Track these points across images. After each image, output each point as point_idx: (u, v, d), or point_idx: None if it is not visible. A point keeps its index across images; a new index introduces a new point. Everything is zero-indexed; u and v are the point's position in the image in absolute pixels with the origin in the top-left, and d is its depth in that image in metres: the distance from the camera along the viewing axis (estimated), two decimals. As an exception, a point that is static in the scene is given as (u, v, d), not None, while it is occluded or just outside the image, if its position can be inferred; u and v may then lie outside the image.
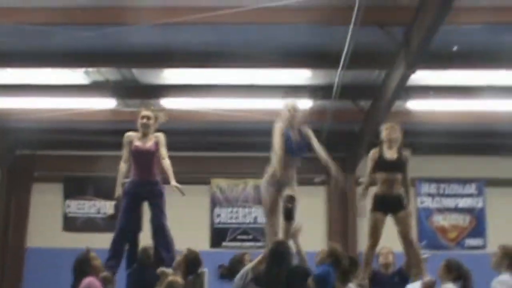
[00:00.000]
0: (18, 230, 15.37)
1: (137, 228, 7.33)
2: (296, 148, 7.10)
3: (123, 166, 7.37)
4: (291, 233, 6.97)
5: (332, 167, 7.42)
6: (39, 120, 12.92)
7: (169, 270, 6.83)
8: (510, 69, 10.74)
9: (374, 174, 7.62)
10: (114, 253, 7.15)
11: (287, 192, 6.98)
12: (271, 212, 7.08)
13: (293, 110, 7.20)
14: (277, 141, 7.00)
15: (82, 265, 7.06)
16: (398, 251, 7.60)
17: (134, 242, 7.38)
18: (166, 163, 7.26)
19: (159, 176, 7.30)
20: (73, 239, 15.06)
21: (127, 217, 7.25)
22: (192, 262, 6.90)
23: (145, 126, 7.24)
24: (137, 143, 7.21)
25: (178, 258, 7.02)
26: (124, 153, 7.36)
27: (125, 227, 7.23)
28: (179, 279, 6.45)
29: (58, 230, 15.51)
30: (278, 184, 7.01)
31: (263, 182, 7.13)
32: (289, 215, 6.94)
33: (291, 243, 6.92)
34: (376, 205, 7.49)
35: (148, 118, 7.27)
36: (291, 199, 6.92)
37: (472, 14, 8.70)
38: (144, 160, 7.20)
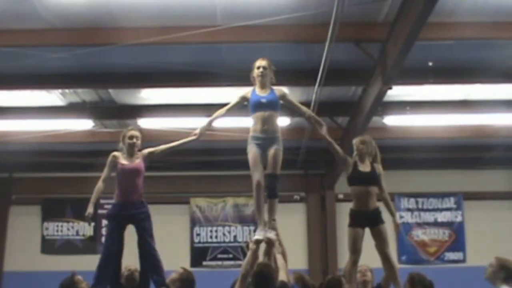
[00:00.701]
0: (-4, 254, 15.20)
1: (121, 251, 7.22)
2: (265, 102, 6.98)
3: (101, 185, 7.22)
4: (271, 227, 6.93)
5: (313, 115, 7.49)
6: (15, 143, 12.82)
7: None
8: (485, 83, 10.84)
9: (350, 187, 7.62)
10: (100, 278, 7.01)
11: (269, 168, 7.00)
12: (253, 169, 6.96)
13: (262, 68, 7.10)
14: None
15: None
16: (378, 266, 7.59)
17: (117, 265, 7.26)
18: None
19: (143, 197, 7.22)
20: (52, 262, 14.96)
21: (113, 241, 7.11)
22: (187, 281, 6.85)
23: (133, 146, 7.19)
24: (124, 162, 7.15)
25: (173, 275, 6.97)
26: (105, 172, 7.23)
27: (110, 252, 7.11)
28: None
29: (36, 253, 15.38)
30: (262, 143, 6.95)
31: (248, 141, 7.05)
32: (271, 194, 7.04)
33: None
34: (354, 221, 7.47)
35: (137, 137, 7.23)
36: (272, 178, 6.99)
37: (447, 30, 8.78)
38: (131, 179, 7.09)
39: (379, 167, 7.64)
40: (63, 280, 7.01)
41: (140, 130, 7.47)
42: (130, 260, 7.35)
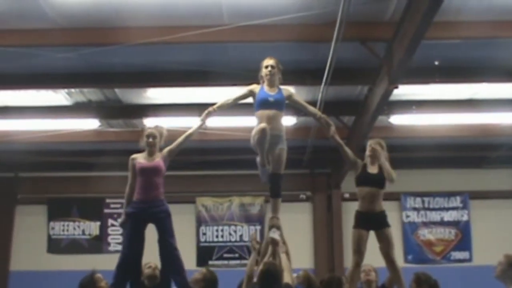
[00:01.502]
0: (2, 254, 15.25)
1: (141, 251, 7.17)
2: (272, 100, 6.99)
3: (129, 191, 7.13)
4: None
5: (322, 116, 7.45)
6: (21, 142, 12.85)
7: None
8: (491, 83, 10.82)
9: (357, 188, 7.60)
10: (120, 277, 6.97)
11: (273, 167, 7.00)
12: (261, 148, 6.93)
13: (270, 67, 7.10)
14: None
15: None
16: (382, 266, 7.57)
17: (138, 264, 7.23)
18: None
19: (163, 195, 7.20)
20: (58, 261, 14.99)
21: (133, 240, 7.07)
22: (210, 281, 6.86)
23: (152, 145, 7.14)
24: (142, 161, 7.12)
25: (196, 276, 6.96)
26: (130, 177, 7.15)
27: (130, 251, 7.07)
28: None
29: (42, 253, 15.41)
30: (267, 142, 6.89)
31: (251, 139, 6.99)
32: (274, 194, 7.11)
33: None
34: (359, 222, 7.44)
35: (154, 136, 7.17)
36: (275, 177, 7.03)
37: (453, 29, 8.76)
38: (150, 178, 7.02)
39: (386, 169, 7.59)
40: (83, 278, 7.00)
41: (161, 128, 7.35)
42: (150, 257, 7.34)
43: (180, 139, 7.32)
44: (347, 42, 8.58)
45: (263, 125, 6.80)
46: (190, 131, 7.38)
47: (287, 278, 6.53)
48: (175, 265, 7.02)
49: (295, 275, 7.33)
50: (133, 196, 7.09)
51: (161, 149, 7.23)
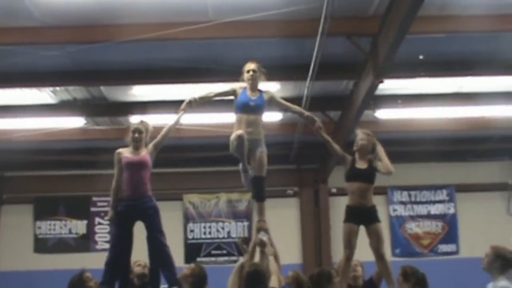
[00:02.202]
0: (-12, 254, 15.15)
1: (130, 249, 7.14)
2: (253, 105, 7.06)
3: (115, 186, 7.10)
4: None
5: (307, 114, 7.53)
6: (6, 141, 12.78)
7: None
8: (476, 76, 10.87)
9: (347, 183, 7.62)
10: (109, 276, 6.93)
11: (256, 171, 7.04)
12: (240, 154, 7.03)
13: (252, 71, 7.16)
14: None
15: (77, 287, 6.93)
16: (370, 260, 7.59)
17: (127, 263, 7.19)
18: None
19: (151, 191, 7.16)
20: (45, 261, 14.92)
21: (121, 239, 7.02)
22: (199, 277, 6.84)
23: (137, 140, 7.12)
24: (128, 155, 7.08)
25: (185, 271, 6.95)
26: (116, 171, 7.13)
27: (119, 249, 7.03)
28: None
29: (29, 252, 15.32)
30: (246, 147, 6.97)
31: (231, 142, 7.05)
32: (258, 198, 7.17)
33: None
34: (349, 217, 7.46)
35: (140, 131, 7.15)
36: (258, 180, 7.07)
37: (437, 24, 8.80)
38: (136, 172, 7.00)
39: (377, 163, 7.62)
40: (72, 277, 6.98)
41: (146, 124, 7.34)
42: (138, 254, 7.32)
43: (163, 132, 7.33)
44: (333, 37, 8.60)
45: (239, 131, 6.89)
46: (171, 123, 7.39)
47: (274, 282, 6.52)
48: (165, 262, 7.01)
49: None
50: (119, 191, 7.07)
51: (146, 144, 7.22)
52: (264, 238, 6.98)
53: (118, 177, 7.09)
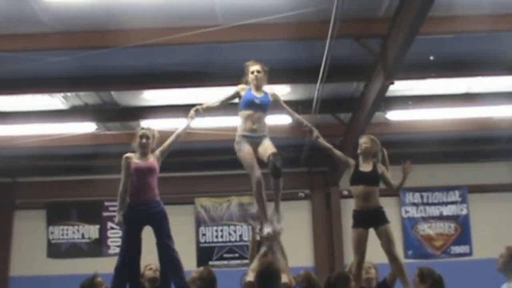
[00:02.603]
0: (1, 259, 15.23)
1: (139, 254, 7.15)
2: (258, 102, 7.10)
3: (122, 190, 7.09)
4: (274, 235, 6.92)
5: (305, 122, 7.56)
6: (19, 147, 12.83)
7: None
8: (486, 76, 10.84)
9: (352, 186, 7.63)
10: (119, 282, 6.93)
11: (268, 151, 6.98)
12: (251, 166, 7.00)
13: (256, 72, 7.22)
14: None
15: None
16: (383, 262, 7.57)
17: (136, 267, 7.21)
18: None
19: (159, 196, 7.17)
20: (58, 266, 14.97)
21: (130, 244, 7.02)
22: (208, 280, 6.85)
23: (144, 146, 7.14)
24: (137, 161, 7.10)
25: (193, 274, 6.96)
26: (123, 176, 7.12)
27: (128, 254, 7.03)
28: None
29: (42, 257, 15.38)
30: (253, 141, 7.03)
31: (236, 141, 7.12)
32: (277, 173, 7.00)
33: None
34: (356, 221, 7.46)
35: (147, 137, 7.18)
36: (275, 156, 6.94)
37: (447, 24, 8.78)
38: (145, 178, 7.03)
39: (381, 167, 7.63)
40: (84, 281, 7.00)
41: (153, 130, 7.37)
42: (149, 257, 7.33)
43: (170, 139, 7.36)
44: (342, 39, 8.59)
45: (258, 175, 6.92)
46: (178, 130, 7.46)
47: (285, 279, 6.52)
48: (174, 268, 7.01)
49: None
50: (127, 196, 7.08)
51: (152, 150, 7.24)
52: (270, 230, 6.94)
53: (125, 182, 7.10)
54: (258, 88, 7.23)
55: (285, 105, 7.53)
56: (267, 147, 7.05)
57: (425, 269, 7.14)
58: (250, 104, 7.11)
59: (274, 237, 6.91)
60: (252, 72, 7.25)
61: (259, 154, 7.09)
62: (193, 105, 7.44)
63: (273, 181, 7.07)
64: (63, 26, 8.75)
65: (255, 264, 6.68)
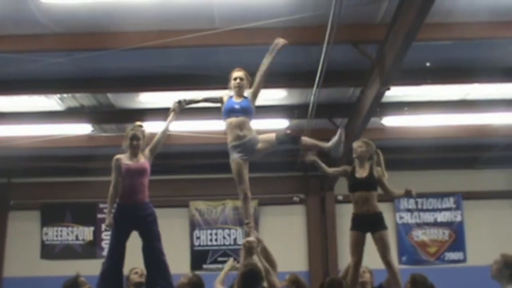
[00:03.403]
0: (-5, 260, 15.18)
1: (124, 258, 7.08)
2: (238, 107, 7.11)
3: (113, 192, 7.03)
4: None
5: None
6: (14, 148, 12.81)
7: None
8: (483, 83, 10.85)
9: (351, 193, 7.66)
10: (104, 285, 6.83)
11: (271, 136, 7.07)
12: (239, 179, 7.06)
13: (239, 79, 7.25)
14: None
15: None
16: (379, 268, 7.58)
17: (121, 272, 7.14)
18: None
19: (148, 197, 7.11)
20: (52, 267, 14.93)
21: (118, 248, 6.96)
22: (196, 285, 6.82)
23: (136, 147, 7.11)
24: (128, 162, 7.06)
25: (182, 280, 6.92)
26: (113, 177, 7.05)
27: (116, 259, 6.95)
28: None
29: (36, 259, 15.36)
30: (244, 148, 7.02)
31: (230, 153, 7.12)
32: (293, 139, 7.20)
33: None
34: (354, 224, 7.53)
35: (138, 138, 7.13)
36: (278, 135, 7.07)
37: (444, 31, 8.79)
38: (136, 179, 6.96)
39: (379, 170, 7.66)
40: (66, 281, 6.94)
41: (142, 129, 7.34)
42: (133, 262, 7.30)
43: (157, 137, 7.32)
44: (339, 44, 8.59)
45: (244, 192, 7.03)
46: (164, 126, 7.39)
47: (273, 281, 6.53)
48: (161, 271, 6.94)
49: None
50: (117, 197, 7.04)
51: (142, 150, 7.20)
52: (252, 239, 6.93)
53: (116, 183, 7.05)
54: (239, 95, 7.26)
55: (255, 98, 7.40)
56: (266, 137, 7.08)
57: (418, 275, 7.14)
58: (231, 111, 7.14)
59: (253, 246, 6.88)
60: (235, 79, 7.28)
61: (266, 148, 7.11)
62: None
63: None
64: (60, 27, 8.75)
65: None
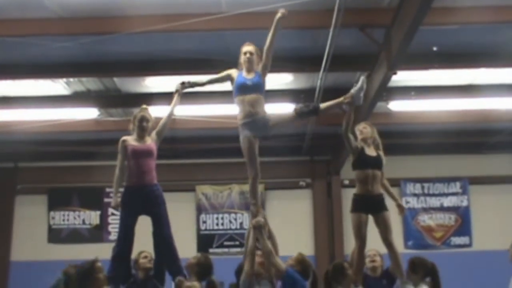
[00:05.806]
0: (2, 244, 15.28)
1: (132, 243, 7.09)
2: (250, 84, 6.95)
3: (118, 174, 7.07)
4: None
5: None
6: (21, 132, 12.83)
7: (183, 279, 6.78)
8: (490, 68, 10.81)
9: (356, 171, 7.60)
10: (116, 271, 6.87)
11: (287, 113, 7.08)
12: (250, 157, 6.89)
13: (249, 54, 7.10)
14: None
15: (85, 276, 6.90)
16: (384, 251, 7.57)
17: (129, 258, 7.15)
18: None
19: (156, 179, 7.09)
20: (59, 251, 15.00)
21: (128, 231, 6.97)
22: (205, 266, 6.85)
23: (145, 129, 7.10)
24: (134, 143, 7.05)
25: (191, 260, 6.94)
26: (119, 159, 7.09)
27: (125, 242, 6.97)
28: (196, 284, 6.46)
29: (43, 243, 15.42)
30: (255, 126, 6.89)
31: (240, 132, 6.98)
32: (311, 110, 7.22)
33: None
34: (357, 206, 7.43)
35: (147, 120, 7.13)
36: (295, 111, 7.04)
37: (451, 15, 8.75)
38: (143, 160, 6.98)
39: (381, 154, 7.66)
40: (84, 263, 6.94)
41: (149, 112, 7.32)
42: (141, 246, 7.32)
43: (163, 120, 7.35)
44: (346, 28, 8.57)
45: (254, 172, 6.84)
46: (169, 109, 7.41)
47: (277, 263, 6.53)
48: (171, 254, 6.98)
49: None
50: (123, 179, 7.04)
51: (148, 133, 7.20)
52: (260, 218, 6.89)
53: (121, 165, 7.06)
54: (249, 70, 7.08)
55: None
56: (282, 113, 7.07)
57: (416, 258, 7.10)
58: (243, 88, 6.97)
59: (262, 226, 6.83)
60: (245, 53, 7.12)
61: (281, 122, 7.14)
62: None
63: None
64: (66, 11, 8.74)
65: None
